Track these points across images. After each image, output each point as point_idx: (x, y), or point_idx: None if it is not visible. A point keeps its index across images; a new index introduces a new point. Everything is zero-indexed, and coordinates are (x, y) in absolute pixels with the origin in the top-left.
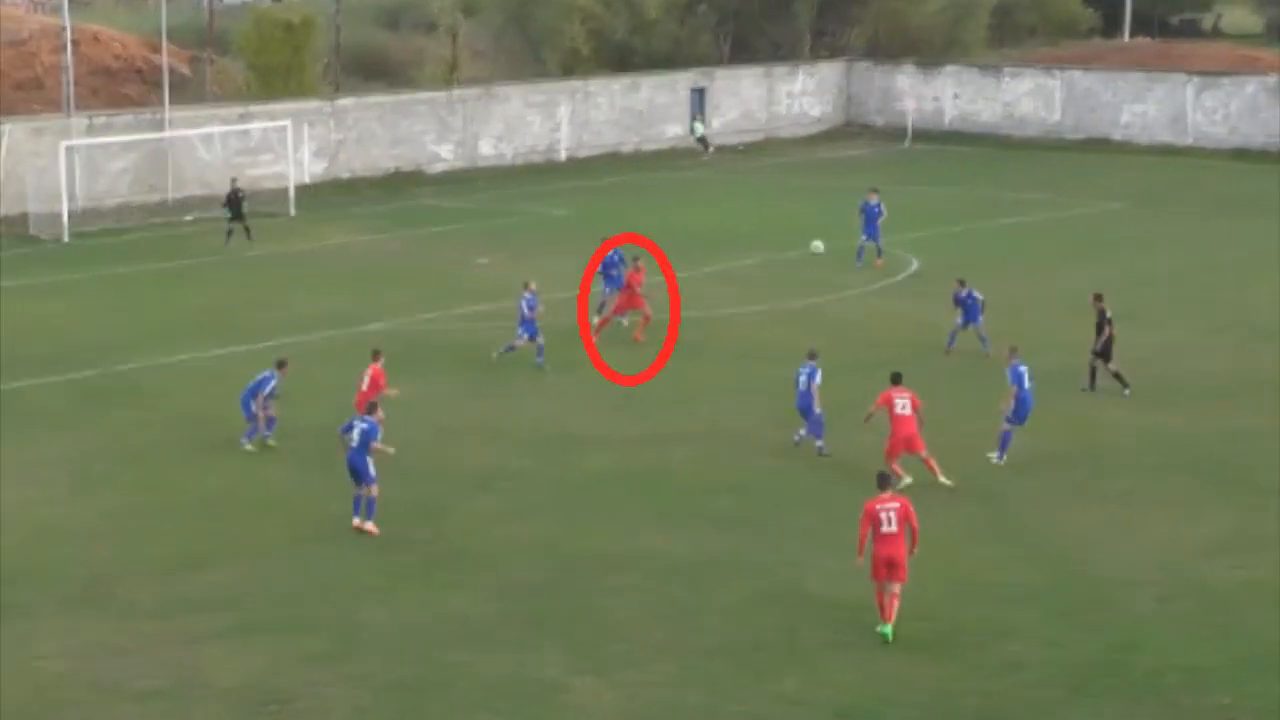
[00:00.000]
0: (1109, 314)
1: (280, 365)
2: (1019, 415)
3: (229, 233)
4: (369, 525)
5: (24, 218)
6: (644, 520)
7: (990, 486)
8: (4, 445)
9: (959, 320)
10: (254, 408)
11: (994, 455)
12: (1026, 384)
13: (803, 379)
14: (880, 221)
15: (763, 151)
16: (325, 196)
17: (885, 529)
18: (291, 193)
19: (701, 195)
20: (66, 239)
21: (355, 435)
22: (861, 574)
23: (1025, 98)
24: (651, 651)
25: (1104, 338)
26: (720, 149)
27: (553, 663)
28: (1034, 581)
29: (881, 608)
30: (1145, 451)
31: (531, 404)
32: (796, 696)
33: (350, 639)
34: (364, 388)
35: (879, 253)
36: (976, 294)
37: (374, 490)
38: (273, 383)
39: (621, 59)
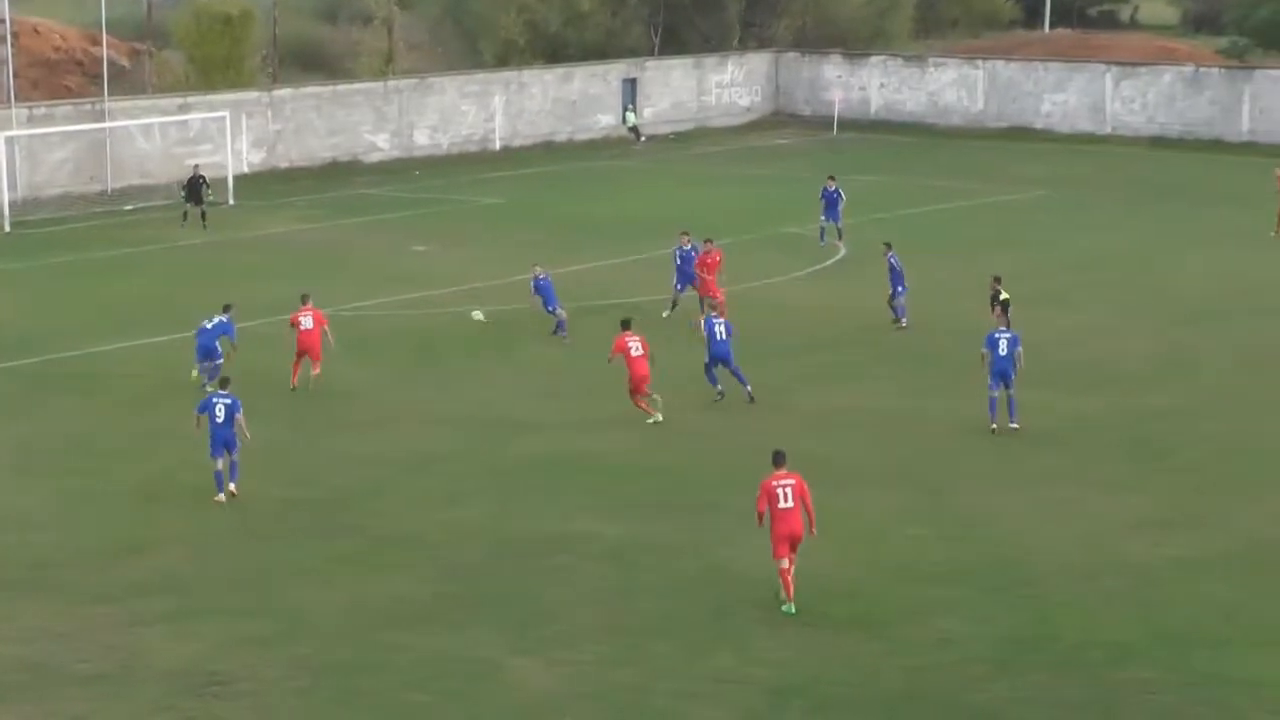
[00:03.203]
0: (1002, 296)
1: (227, 309)
2: (996, 379)
3: (185, 214)
4: (233, 485)
5: None
6: (577, 503)
7: (918, 467)
8: None
9: (895, 289)
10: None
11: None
12: (1004, 350)
13: (720, 329)
14: (841, 206)
15: (694, 141)
16: (264, 186)
17: (782, 505)
18: (230, 182)
19: (634, 184)
20: (7, 229)
21: (220, 411)
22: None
23: (949, 87)
24: (586, 632)
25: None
26: (652, 138)
27: (489, 643)
28: (961, 560)
29: (787, 589)
30: (1069, 432)
31: (467, 389)
32: (729, 675)
33: (290, 622)
34: (306, 326)
35: (839, 234)
36: (896, 261)
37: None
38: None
39: (555, 50)
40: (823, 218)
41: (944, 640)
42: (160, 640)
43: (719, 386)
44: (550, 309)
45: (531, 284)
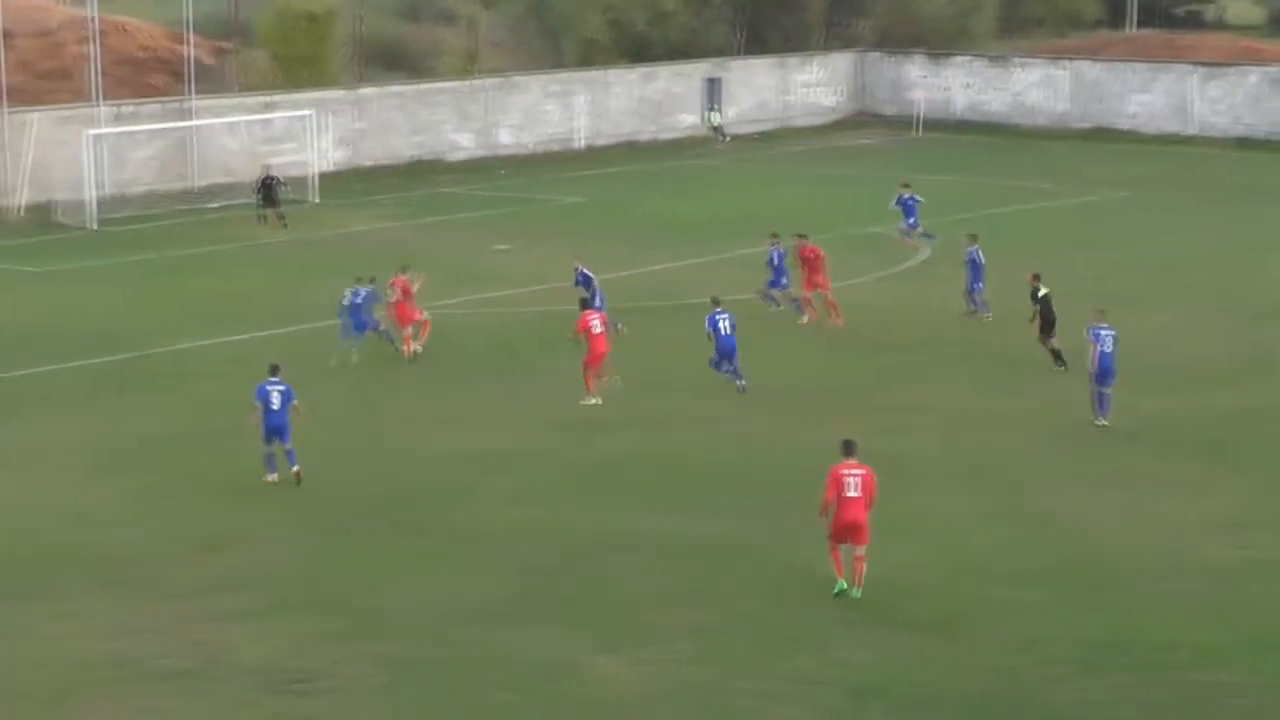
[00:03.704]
0: (1042, 293)
1: (372, 280)
2: (1100, 377)
3: (261, 218)
4: (296, 467)
5: (51, 205)
6: (654, 502)
7: (996, 466)
8: (30, 429)
9: (973, 283)
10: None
11: (1098, 419)
12: (1109, 347)
13: (725, 324)
14: (919, 210)
15: (776, 140)
16: (347, 184)
17: (849, 494)
18: (314, 181)
19: (716, 183)
20: (93, 226)
21: (275, 398)
22: (873, 554)
23: (1034, 88)
24: (667, 630)
25: (1038, 315)
26: (734, 138)
27: (571, 642)
28: (1041, 561)
29: (839, 570)
30: (1148, 432)
31: (544, 388)
32: (809, 675)
33: (370, 618)
34: (396, 299)
35: (926, 236)
36: (978, 256)
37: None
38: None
39: (638, 50)
40: (905, 224)
41: (1025, 641)
42: (242, 637)
43: (726, 373)
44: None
45: (576, 277)
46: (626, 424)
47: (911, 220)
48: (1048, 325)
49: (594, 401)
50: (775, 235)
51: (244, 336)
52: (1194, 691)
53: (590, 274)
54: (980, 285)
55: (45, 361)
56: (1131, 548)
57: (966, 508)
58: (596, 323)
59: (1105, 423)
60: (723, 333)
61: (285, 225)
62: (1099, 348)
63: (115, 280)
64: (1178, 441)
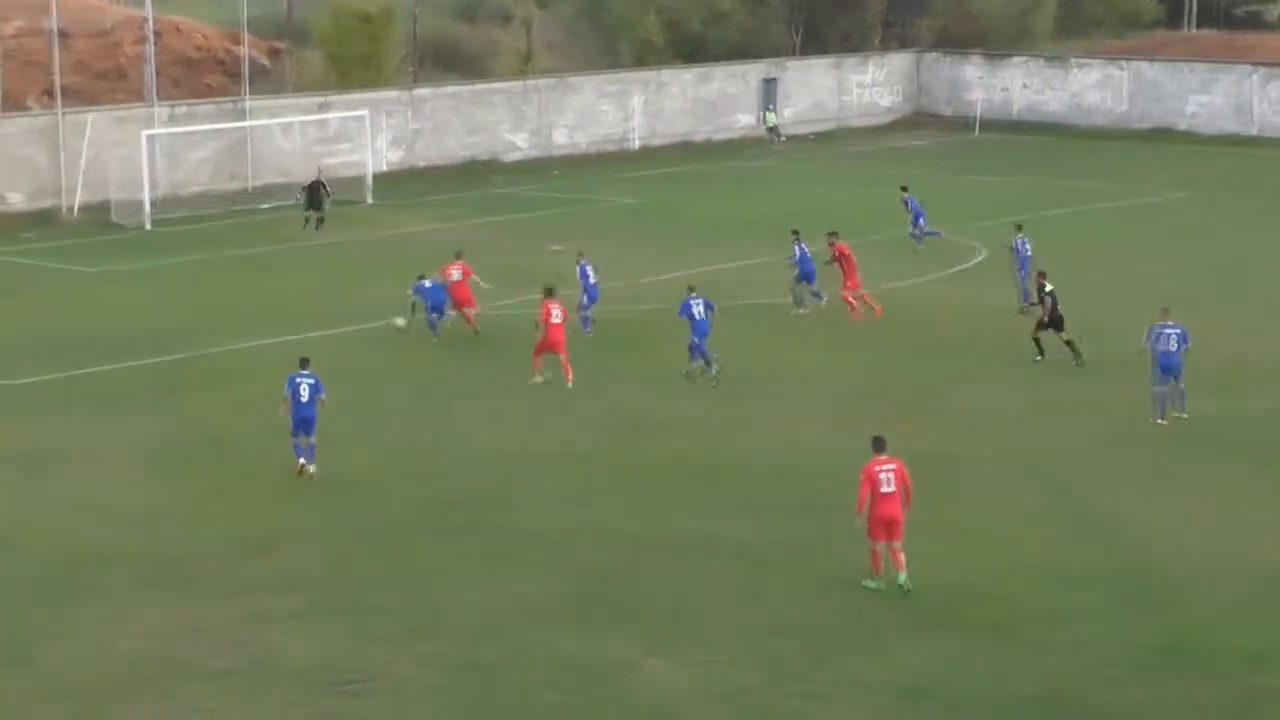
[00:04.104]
0: (1048, 289)
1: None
2: (1160, 376)
3: (306, 220)
4: (313, 468)
5: (107, 205)
6: (708, 504)
7: (1050, 469)
8: (84, 428)
9: (1017, 273)
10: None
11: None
12: (1173, 345)
13: (698, 308)
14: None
15: (833, 141)
16: (402, 185)
17: (884, 489)
18: (369, 181)
19: (772, 184)
20: (148, 226)
21: (304, 390)
22: (924, 557)
23: (1092, 88)
24: (717, 632)
25: (1047, 311)
26: (791, 138)
27: (621, 643)
28: (1094, 564)
29: (876, 565)
30: (1203, 435)
31: (598, 389)
32: (859, 678)
33: (422, 619)
34: (455, 278)
35: (930, 233)
36: (1023, 246)
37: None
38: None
39: (694, 50)
40: (918, 227)
41: (1078, 644)
42: (291, 637)
43: (715, 355)
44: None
45: (578, 270)
46: (680, 426)
47: (920, 220)
48: (1055, 322)
49: (539, 380)
50: (796, 232)
51: (299, 337)
52: (1245, 696)
53: (589, 270)
54: (1024, 274)
55: (101, 361)
56: (1183, 551)
57: (1020, 510)
58: (556, 312)
59: (1165, 422)
60: (696, 317)
61: (319, 229)
62: (1159, 347)
63: (171, 281)
64: (1231, 444)
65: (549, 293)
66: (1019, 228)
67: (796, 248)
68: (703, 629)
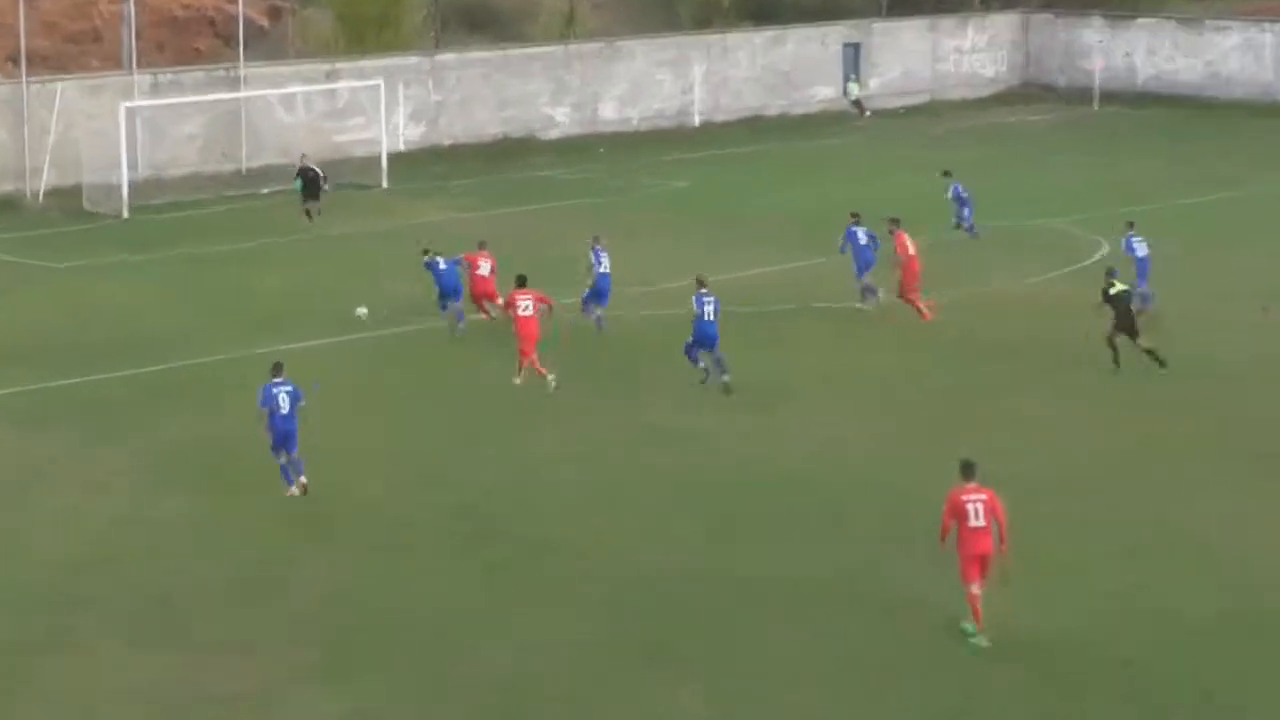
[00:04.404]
0: (1115, 290)
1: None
2: None
3: (307, 212)
4: (304, 478)
5: (79, 190)
6: (745, 532)
7: (1158, 496)
8: (62, 448)
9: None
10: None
11: None
12: None
13: (709, 309)
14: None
15: (927, 116)
16: (423, 166)
17: (972, 523)
18: (384, 162)
19: (855, 166)
20: (126, 214)
21: (284, 401)
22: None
23: (1232, 54)
24: (759, 664)
25: (1117, 314)
26: (878, 113)
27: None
28: (1221, 609)
29: (977, 613)
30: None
31: (637, 395)
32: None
33: (452, 673)
34: (483, 273)
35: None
36: (1138, 246)
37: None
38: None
39: (765, 9)
40: (963, 220)
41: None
42: (302, 699)
43: (702, 365)
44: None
45: (592, 254)
46: (705, 434)
47: (967, 212)
48: (1126, 326)
49: (518, 382)
50: (856, 215)
51: (301, 345)
52: None
53: (603, 256)
54: (1142, 280)
55: (77, 370)
56: None
57: (1117, 540)
58: (526, 303)
59: None
60: (705, 318)
61: (311, 219)
62: None
63: (153, 277)
64: None
65: (520, 282)
66: (1130, 225)
67: (854, 232)
68: (743, 661)
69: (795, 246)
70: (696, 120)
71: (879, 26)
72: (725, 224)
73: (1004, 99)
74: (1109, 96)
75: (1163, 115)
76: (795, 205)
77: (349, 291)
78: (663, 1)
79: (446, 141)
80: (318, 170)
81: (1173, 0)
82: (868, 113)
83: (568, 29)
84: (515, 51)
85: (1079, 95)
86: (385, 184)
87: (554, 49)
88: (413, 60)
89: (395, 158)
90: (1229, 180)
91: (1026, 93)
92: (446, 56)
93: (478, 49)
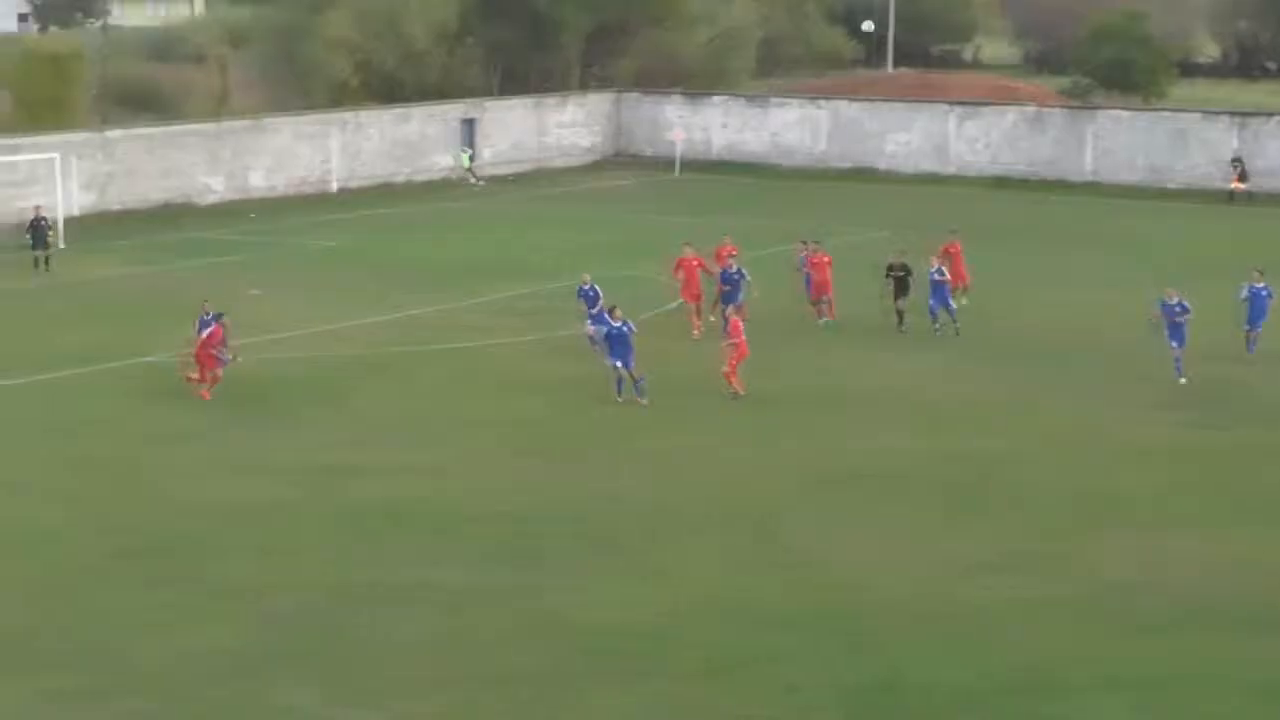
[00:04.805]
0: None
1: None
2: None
3: (36, 261)
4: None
5: None
6: (409, 551)
7: (755, 509)
8: None
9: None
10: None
11: None
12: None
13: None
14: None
15: (534, 182)
16: (95, 229)
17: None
18: (61, 225)
19: (473, 226)
20: None
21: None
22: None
23: (792, 127)
24: (417, 683)
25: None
26: (491, 179)
27: (320, 694)
28: (805, 606)
29: None
30: (901, 474)
31: (299, 435)
32: None
33: (112, 676)
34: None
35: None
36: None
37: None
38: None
39: (391, 90)
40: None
41: (790, 687)
42: None
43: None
44: (593, 324)
45: (577, 291)
46: (378, 472)
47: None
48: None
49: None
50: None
51: None
52: None
53: (597, 291)
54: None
55: None
56: (889, 590)
57: (720, 552)
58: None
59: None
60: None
61: (48, 269)
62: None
63: None
64: (929, 481)
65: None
66: (1261, 272)
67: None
68: (403, 679)
69: (434, 292)
70: (335, 187)
71: (491, 104)
72: (372, 274)
73: (599, 166)
74: (689, 164)
75: (734, 180)
76: (429, 257)
77: (26, 338)
78: (302, 84)
79: (116, 207)
80: (44, 218)
81: (742, 81)
82: (480, 181)
83: (220, 108)
84: (175, 127)
85: (664, 163)
86: (62, 245)
87: (208, 125)
88: (84, 136)
89: (71, 221)
90: (790, 235)
91: (618, 161)
92: (114, 132)
93: (141, 125)
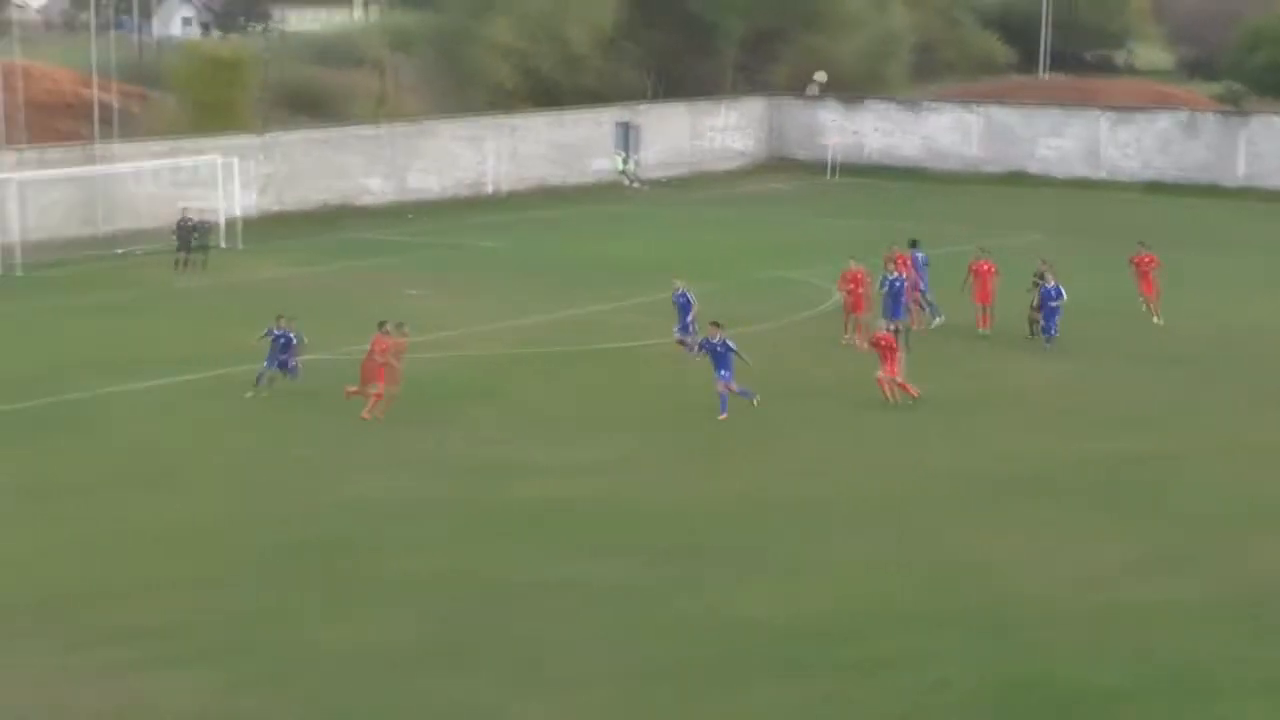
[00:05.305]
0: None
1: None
2: None
3: (177, 262)
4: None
5: None
6: (569, 547)
7: (903, 508)
8: None
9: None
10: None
11: None
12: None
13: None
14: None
15: (690, 185)
16: (258, 229)
17: None
18: (224, 226)
19: (631, 228)
20: (4, 271)
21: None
22: (796, 597)
23: (945, 132)
24: (587, 676)
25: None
26: (648, 183)
27: (489, 688)
28: (954, 605)
29: None
30: (1049, 476)
31: (457, 433)
32: None
33: (291, 666)
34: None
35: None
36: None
37: None
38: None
39: (549, 94)
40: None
41: (941, 684)
42: (160, 683)
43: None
44: (682, 333)
45: (672, 298)
46: (541, 469)
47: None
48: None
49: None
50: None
51: (159, 382)
52: None
53: (690, 297)
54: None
55: None
56: (1044, 590)
57: (867, 549)
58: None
59: None
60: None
61: (187, 268)
62: None
63: (20, 326)
64: (1082, 484)
65: (380, 326)
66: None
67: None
68: (573, 673)
69: (595, 293)
70: (490, 189)
71: (647, 108)
72: (536, 275)
73: (753, 170)
74: (842, 168)
75: (887, 184)
76: (589, 258)
77: (199, 336)
78: (462, 88)
79: (278, 208)
80: (191, 219)
81: (896, 85)
82: (638, 183)
83: (381, 110)
84: (336, 130)
85: (817, 167)
86: (224, 245)
87: (370, 128)
88: (248, 138)
89: (234, 222)
90: (941, 238)
91: (772, 165)
92: (277, 135)
93: (304, 128)
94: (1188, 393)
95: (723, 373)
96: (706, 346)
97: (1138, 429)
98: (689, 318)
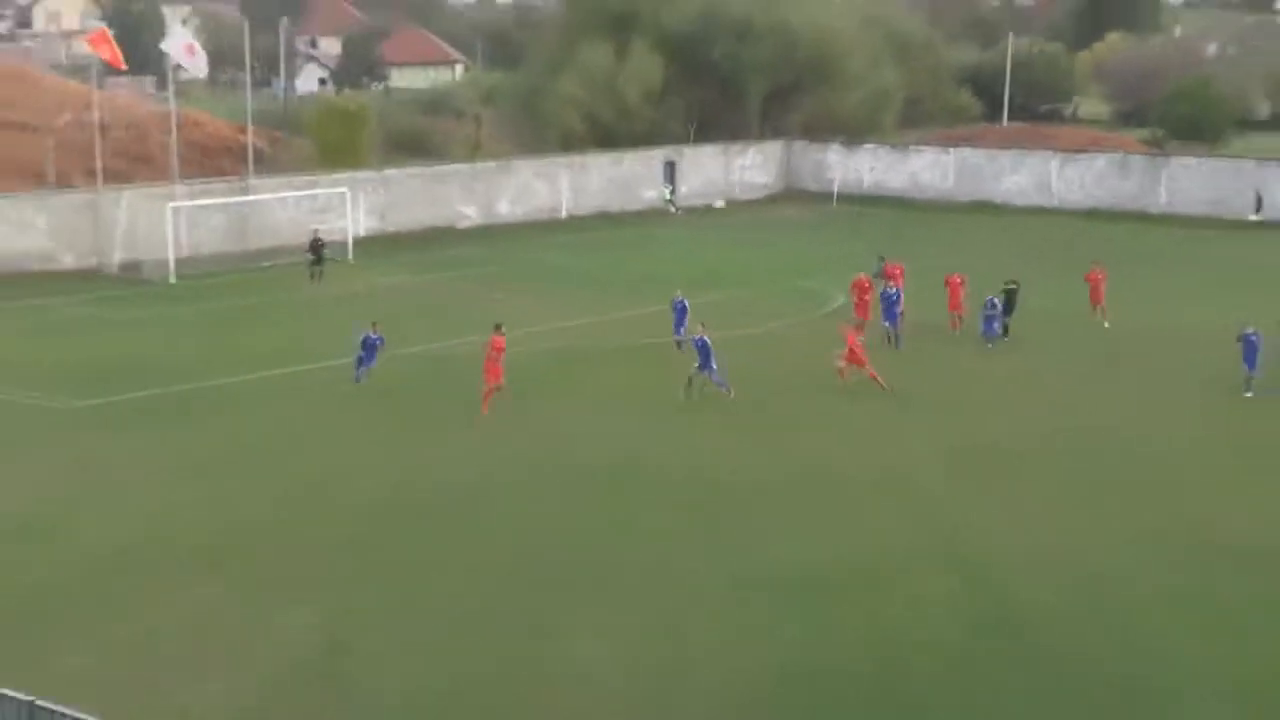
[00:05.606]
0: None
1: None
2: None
3: (312, 275)
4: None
5: (138, 264)
6: (637, 503)
7: (904, 478)
8: (119, 444)
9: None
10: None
11: None
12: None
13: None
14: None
15: (721, 212)
16: (376, 247)
17: None
18: (349, 244)
19: (672, 247)
20: (172, 280)
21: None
22: (820, 544)
23: (926, 169)
24: (670, 601)
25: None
26: (687, 209)
27: (596, 608)
28: (936, 550)
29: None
30: (1024, 446)
31: (537, 409)
32: None
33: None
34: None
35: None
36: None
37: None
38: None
39: (608, 138)
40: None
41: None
42: (289, 617)
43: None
44: (677, 333)
45: (671, 304)
46: (610, 436)
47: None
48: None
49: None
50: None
51: (288, 370)
52: None
53: (686, 304)
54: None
55: (130, 389)
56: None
57: (881, 512)
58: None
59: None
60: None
61: (319, 280)
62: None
63: (187, 325)
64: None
65: (496, 328)
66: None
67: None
68: (658, 600)
69: (639, 297)
70: (564, 214)
71: (688, 150)
72: (589, 283)
73: (773, 200)
74: (844, 198)
75: (880, 212)
76: (638, 270)
77: (326, 333)
78: (539, 133)
79: (391, 229)
80: (320, 239)
81: (888, 131)
82: (679, 210)
83: (475, 153)
84: (439, 168)
85: (824, 197)
86: (350, 259)
87: (465, 166)
88: (368, 174)
89: (357, 241)
90: (924, 256)
91: (788, 195)
92: (392, 171)
93: (413, 166)
94: (1128, 380)
95: (710, 365)
96: (697, 343)
97: (1089, 408)
98: (685, 320)
